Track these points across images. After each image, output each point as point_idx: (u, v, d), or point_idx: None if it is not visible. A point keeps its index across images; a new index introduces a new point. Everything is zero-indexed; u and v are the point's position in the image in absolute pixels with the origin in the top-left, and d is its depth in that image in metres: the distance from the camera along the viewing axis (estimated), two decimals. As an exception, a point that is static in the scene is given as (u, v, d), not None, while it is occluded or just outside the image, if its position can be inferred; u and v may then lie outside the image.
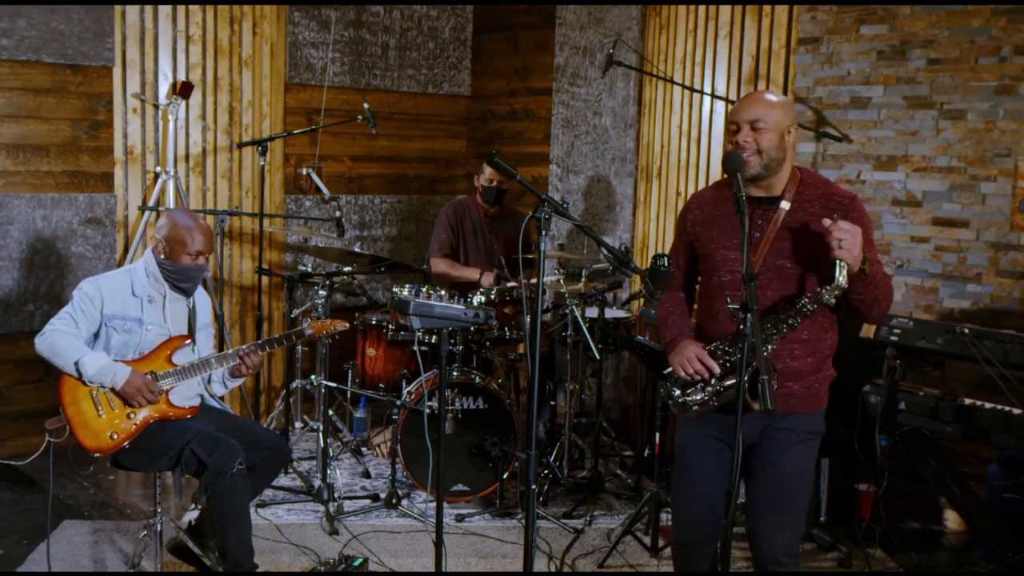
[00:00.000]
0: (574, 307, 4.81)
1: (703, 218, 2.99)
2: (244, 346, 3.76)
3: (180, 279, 3.74)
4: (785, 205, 2.84)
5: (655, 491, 4.20)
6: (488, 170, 5.33)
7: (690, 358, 2.88)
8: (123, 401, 3.57)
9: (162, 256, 3.72)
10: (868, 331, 3.83)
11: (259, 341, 3.82)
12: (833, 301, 2.72)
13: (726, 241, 2.91)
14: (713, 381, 2.89)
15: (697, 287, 3.14)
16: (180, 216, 3.75)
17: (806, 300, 2.77)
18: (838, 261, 2.62)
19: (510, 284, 5.05)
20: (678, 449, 3.08)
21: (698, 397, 2.91)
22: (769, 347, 2.80)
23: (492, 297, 4.83)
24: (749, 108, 2.82)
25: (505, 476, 4.61)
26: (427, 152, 6.78)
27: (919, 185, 4.69)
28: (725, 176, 2.95)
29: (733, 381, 2.81)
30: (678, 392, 2.97)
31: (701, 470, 2.99)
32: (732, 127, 2.85)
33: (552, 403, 5.43)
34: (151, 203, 5.32)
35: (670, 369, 2.99)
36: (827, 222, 2.65)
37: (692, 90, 5.33)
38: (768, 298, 2.84)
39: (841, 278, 2.63)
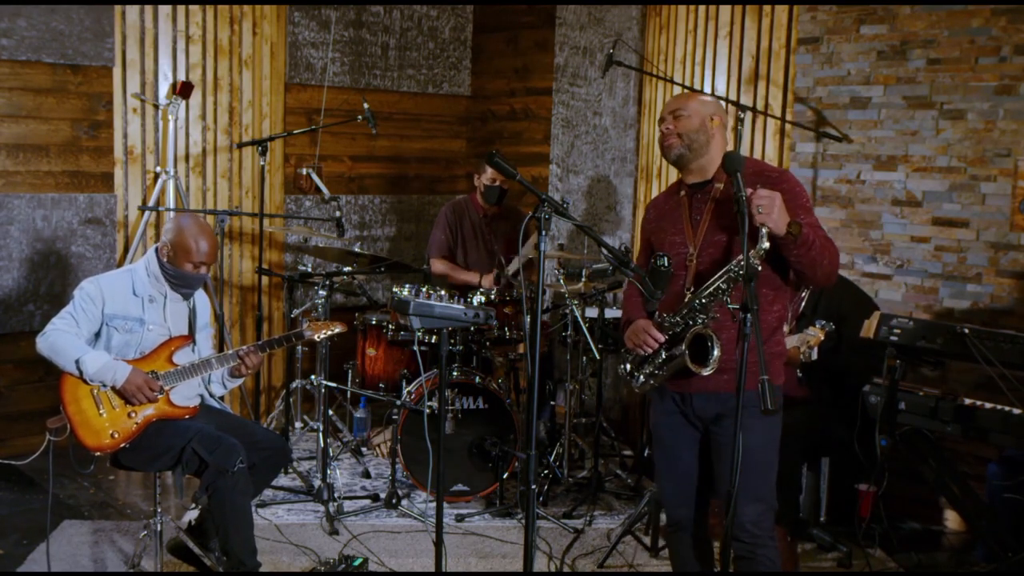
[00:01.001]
0: (574, 307, 4.81)
1: (655, 216, 3.24)
2: (244, 347, 3.76)
3: (179, 284, 3.75)
4: (719, 185, 3.05)
5: (655, 491, 4.20)
6: (490, 170, 5.32)
7: (636, 331, 3.06)
8: (124, 400, 3.57)
9: (165, 259, 3.72)
10: (868, 331, 3.82)
11: (259, 342, 3.83)
12: (757, 264, 2.76)
13: (671, 228, 3.12)
14: (662, 353, 3.01)
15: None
16: (189, 224, 3.72)
17: (732, 264, 2.89)
18: (760, 226, 2.74)
19: (511, 269, 5.03)
20: (652, 428, 3.25)
21: (647, 369, 3.07)
22: (709, 315, 2.93)
23: (492, 297, 4.83)
24: (671, 103, 3.12)
25: (505, 476, 4.61)
26: (427, 152, 6.78)
27: (919, 185, 4.70)
28: (677, 178, 3.21)
29: (676, 351, 2.94)
30: (629, 367, 3.14)
31: (675, 449, 3.14)
32: (659, 122, 3.12)
33: (552, 403, 5.43)
34: (151, 203, 5.32)
35: (624, 348, 3.16)
36: (748, 191, 2.78)
37: (692, 90, 5.33)
38: (709, 272, 2.99)
39: (764, 242, 2.74)
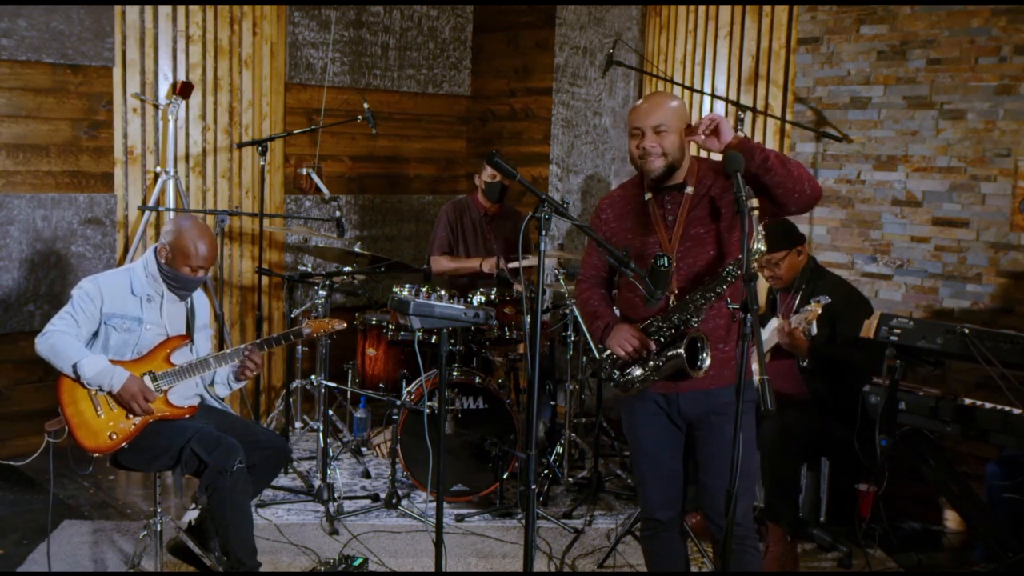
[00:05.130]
0: (574, 307, 4.81)
1: (615, 215, 3.15)
2: (244, 345, 3.76)
3: (176, 285, 3.74)
4: (689, 190, 3.02)
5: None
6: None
7: (628, 338, 3.00)
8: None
9: (163, 260, 3.71)
10: (868, 331, 3.82)
11: (258, 340, 3.82)
12: (758, 250, 2.81)
13: (642, 231, 3.07)
14: (652, 357, 3.00)
15: (617, 278, 3.25)
16: (189, 227, 3.70)
17: (731, 265, 2.92)
18: (728, 154, 2.79)
19: (512, 265, 5.03)
20: (630, 432, 3.21)
21: (638, 373, 3.03)
22: (700, 317, 2.95)
23: (492, 297, 4.83)
24: (652, 113, 2.96)
25: (505, 476, 4.60)
26: (427, 152, 6.78)
27: (919, 185, 4.69)
28: (633, 176, 3.19)
29: (672, 353, 2.94)
30: (617, 373, 3.09)
31: (660, 452, 3.13)
32: (636, 132, 2.97)
33: (552, 403, 5.43)
34: (151, 203, 5.32)
35: (608, 352, 3.12)
36: (688, 129, 2.88)
37: (692, 90, 5.33)
38: (689, 266, 3.00)
39: (761, 243, 2.81)
